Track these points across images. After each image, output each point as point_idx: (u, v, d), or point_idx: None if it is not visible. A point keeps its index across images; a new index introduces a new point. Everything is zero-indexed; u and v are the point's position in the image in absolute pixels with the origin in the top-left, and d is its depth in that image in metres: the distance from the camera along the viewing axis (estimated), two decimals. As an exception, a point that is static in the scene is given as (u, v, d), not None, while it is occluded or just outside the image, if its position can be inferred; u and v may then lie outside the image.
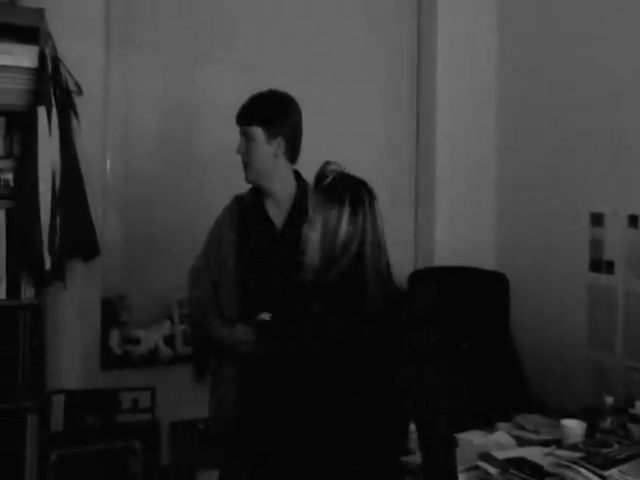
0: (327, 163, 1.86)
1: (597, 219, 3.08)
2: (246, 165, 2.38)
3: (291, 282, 2.13)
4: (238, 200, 2.49)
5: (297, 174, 2.45)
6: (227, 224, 2.45)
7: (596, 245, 3.09)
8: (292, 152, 2.40)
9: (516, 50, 3.65)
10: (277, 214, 2.41)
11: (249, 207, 2.44)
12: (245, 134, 2.37)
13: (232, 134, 3.36)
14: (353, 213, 1.79)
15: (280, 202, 2.40)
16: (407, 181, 3.78)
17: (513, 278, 3.28)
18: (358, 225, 1.79)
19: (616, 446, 2.26)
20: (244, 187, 2.38)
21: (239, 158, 2.39)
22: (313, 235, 1.80)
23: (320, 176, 1.84)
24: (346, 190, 1.82)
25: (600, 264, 3.07)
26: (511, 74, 3.68)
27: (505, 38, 3.72)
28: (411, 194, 3.79)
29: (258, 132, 2.35)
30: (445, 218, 3.61)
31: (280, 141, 2.35)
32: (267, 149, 2.36)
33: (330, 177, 1.82)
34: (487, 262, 3.56)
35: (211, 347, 2.45)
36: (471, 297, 3.20)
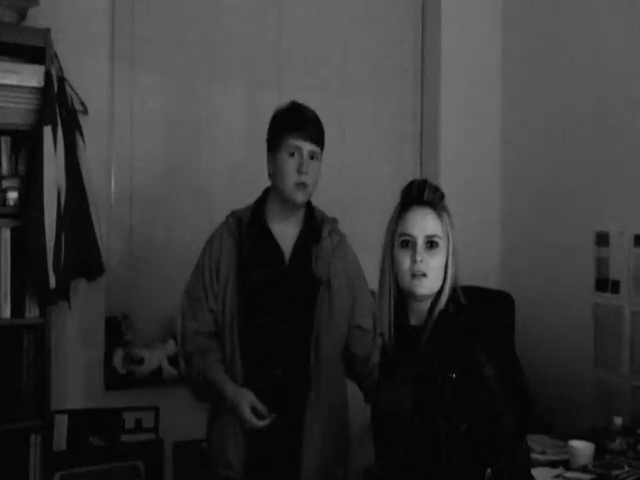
0: (428, 181, 1.82)
1: (603, 238, 3.08)
2: (305, 187, 2.22)
3: (301, 326, 2.17)
4: (236, 221, 2.30)
5: None
6: (226, 249, 2.26)
7: (602, 265, 3.08)
8: None
9: (521, 67, 3.66)
10: (285, 238, 2.27)
11: (252, 229, 2.27)
12: (313, 154, 2.23)
13: (238, 152, 3.41)
14: (453, 226, 1.79)
15: (292, 224, 2.28)
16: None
17: (518, 297, 3.27)
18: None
19: (627, 468, 2.24)
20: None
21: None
22: (440, 260, 1.74)
23: (435, 197, 1.78)
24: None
25: (606, 284, 3.06)
26: (516, 90, 3.69)
27: (509, 54, 3.74)
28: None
29: (320, 154, 2.27)
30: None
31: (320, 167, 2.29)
32: (320, 173, 2.28)
33: (444, 197, 1.79)
34: (492, 281, 3.55)
35: (209, 391, 2.25)
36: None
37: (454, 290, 1.78)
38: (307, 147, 2.21)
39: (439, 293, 1.76)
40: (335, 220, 2.37)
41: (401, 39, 3.82)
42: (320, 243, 2.27)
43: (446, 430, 1.66)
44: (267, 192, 2.32)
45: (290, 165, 2.20)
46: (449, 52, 3.71)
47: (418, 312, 1.78)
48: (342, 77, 3.65)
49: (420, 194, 1.78)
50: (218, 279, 2.24)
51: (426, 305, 1.77)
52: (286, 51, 3.51)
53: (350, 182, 3.59)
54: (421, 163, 3.84)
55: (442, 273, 1.75)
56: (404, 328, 1.79)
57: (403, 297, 1.79)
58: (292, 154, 2.20)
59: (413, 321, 1.79)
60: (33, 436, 2.61)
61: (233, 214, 2.31)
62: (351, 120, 3.64)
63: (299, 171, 2.19)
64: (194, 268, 2.32)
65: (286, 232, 2.27)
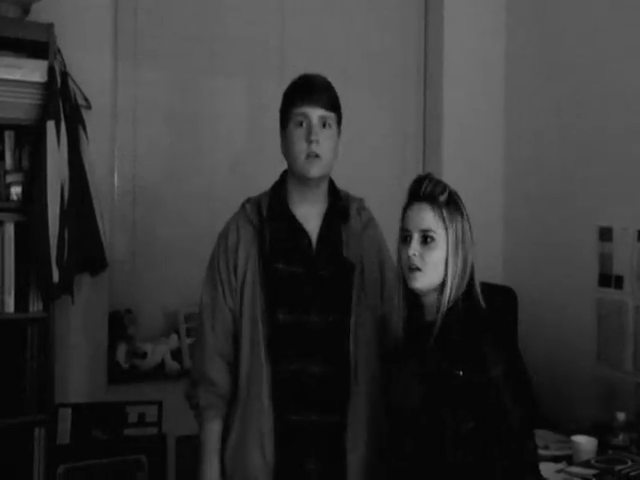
0: (430, 175, 1.81)
1: (606, 234, 3.07)
2: (316, 157, 1.96)
3: (336, 317, 1.96)
4: (255, 206, 2.07)
5: None
6: (244, 238, 2.03)
7: (605, 260, 3.08)
8: None
9: (524, 63, 3.65)
10: (309, 220, 2.04)
11: (273, 214, 2.04)
12: (325, 120, 1.98)
13: (240, 146, 3.41)
14: (469, 225, 1.79)
15: (315, 205, 2.06)
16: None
17: (521, 293, 3.27)
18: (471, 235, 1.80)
19: (630, 463, 2.24)
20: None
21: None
22: (436, 255, 1.74)
23: (433, 192, 1.77)
24: (462, 202, 1.80)
25: (609, 279, 3.05)
26: (519, 87, 3.69)
27: (513, 51, 3.73)
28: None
29: (334, 120, 2.02)
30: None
31: (339, 140, 2.05)
32: (337, 144, 2.03)
33: (447, 191, 1.78)
34: (495, 276, 3.54)
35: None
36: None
37: (470, 286, 1.78)
38: (316, 113, 1.97)
39: (444, 288, 1.75)
40: (362, 199, 2.17)
41: (404, 36, 3.81)
42: (348, 222, 2.06)
43: (452, 427, 1.66)
44: (285, 174, 2.11)
45: (298, 135, 1.97)
46: (452, 49, 3.70)
47: (430, 307, 1.79)
48: (344, 74, 3.62)
49: (417, 189, 1.79)
50: (236, 272, 2.02)
51: (434, 299, 1.77)
52: (288, 46, 3.51)
53: (352, 180, 3.55)
54: (424, 160, 3.84)
55: (442, 268, 1.75)
56: (418, 322, 1.80)
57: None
58: (300, 123, 1.98)
59: (428, 317, 1.79)
60: (37, 429, 2.63)
61: (249, 200, 2.10)
62: (353, 117, 3.62)
63: (308, 140, 1.95)
64: (208, 263, 2.12)
65: (310, 214, 2.05)
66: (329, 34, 3.62)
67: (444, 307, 1.74)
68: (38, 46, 2.63)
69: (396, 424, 1.79)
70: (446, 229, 1.75)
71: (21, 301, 2.61)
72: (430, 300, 1.78)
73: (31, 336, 2.64)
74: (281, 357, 1.97)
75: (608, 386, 3.01)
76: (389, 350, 1.89)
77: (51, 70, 2.60)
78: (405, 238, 1.78)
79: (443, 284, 1.75)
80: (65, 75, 2.71)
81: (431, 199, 1.76)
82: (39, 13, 2.72)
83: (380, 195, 3.55)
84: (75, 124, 2.74)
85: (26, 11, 2.70)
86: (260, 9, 3.46)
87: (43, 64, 2.60)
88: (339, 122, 2.05)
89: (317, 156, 1.96)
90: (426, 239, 1.74)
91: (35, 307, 2.63)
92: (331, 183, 2.11)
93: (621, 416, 2.55)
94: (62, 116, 2.61)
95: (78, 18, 2.89)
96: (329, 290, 2.00)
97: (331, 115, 2.00)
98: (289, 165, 2.06)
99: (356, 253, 2.03)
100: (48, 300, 2.63)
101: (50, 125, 2.56)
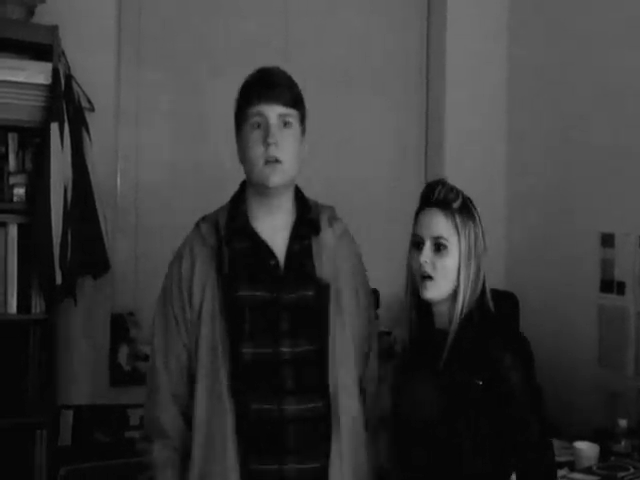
0: (443, 181, 1.77)
1: (608, 240, 3.07)
2: (276, 162, 1.71)
3: (312, 348, 1.74)
4: (210, 226, 1.82)
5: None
6: (200, 263, 1.77)
7: (607, 266, 3.07)
8: None
9: (527, 65, 3.65)
10: (275, 236, 1.79)
11: (232, 231, 1.79)
12: (285, 120, 1.74)
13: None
14: (482, 232, 1.75)
15: (281, 218, 1.81)
16: (415, 200, 3.76)
17: (523, 298, 3.27)
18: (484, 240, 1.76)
19: (632, 470, 2.24)
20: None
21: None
22: (449, 263, 1.70)
23: (447, 198, 1.73)
24: (475, 208, 1.76)
25: (611, 285, 3.05)
26: (521, 90, 3.68)
27: (515, 53, 3.72)
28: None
29: (296, 118, 1.77)
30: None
31: (305, 140, 1.82)
32: (301, 145, 1.80)
33: (460, 197, 1.73)
34: (497, 282, 3.54)
35: None
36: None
37: (482, 295, 1.75)
38: (275, 111, 1.72)
39: (456, 297, 1.72)
40: (332, 208, 1.92)
41: (406, 38, 3.81)
42: (319, 235, 1.81)
43: (470, 437, 1.64)
44: (245, 184, 1.87)
45: (255, 138, 1.72)
46: (454, 51, 3.70)
47: (441, 315, 1.76)
48: (347, 76, 3.64)
49: (430, 195, 1.76)
50: (191, 302, 1.75)
51: (446, 308, 1.74)
52: (290, 48, 3.50)
53: (353, 182, 3.57)
54: (426, 162, 3.83)
55: (454, 276, 1.70)
56: (429, 331, 1.77)
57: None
58: (257, 125, 1.72)
59: (438, 325, 1.76)
60: (38, 431, 2.62)
61: (205, 219, 1.86)
62: (355, 119, 3.64)
63: (265, 143, 1.70)
64: (160, 293, 1.86)
65: (275, 229, 1.80)
66: (332, 36, 3.62)
67: (457, 317, 1.70)
68: (42, 48, 2.63)
69: (404, 436, 1.77)
70: (458, 236, 1.70)
71: (24, 302, 2.61)
72: (441, 309, 1.74)
73: (33, 337, 2.64)
74: (248, 396, 1.70)
75: (610, 392, 3.01)
76: (395, 361, 1.87)
77: (55, 72, 2.60)
78: (417, 244, 1.74)
79: (455, 292, 1.71)
80: (69, 77, 2.71)
81: (444, 205, 1.72)
82: (43, 15, 2.72)
83: (381, 197, 3.56)
84: (78, 126, 2.74)
85: (31, 13, 2.70)
86: (263, 11, 3.46)
87: (47, 66, 2.60)
88: (303, 120, 1.81)
89: (277, 161, 1.71)
90: (439, 247, 1.70)
91: (38, 309, 2.63)
92: (297, 191, 1.87)
93: (623, 422, 2.55)
94: (66, 118, 2.61)
95: (82, 20, 2.90)
96: (301, 316, 1.74)
97: (292, 112, 1.75)
98: (247, 174, 1.81)
99: (330, 270, 1.79)
100: (51, 302, 2.62)
101: (54, 127, 2.56)
